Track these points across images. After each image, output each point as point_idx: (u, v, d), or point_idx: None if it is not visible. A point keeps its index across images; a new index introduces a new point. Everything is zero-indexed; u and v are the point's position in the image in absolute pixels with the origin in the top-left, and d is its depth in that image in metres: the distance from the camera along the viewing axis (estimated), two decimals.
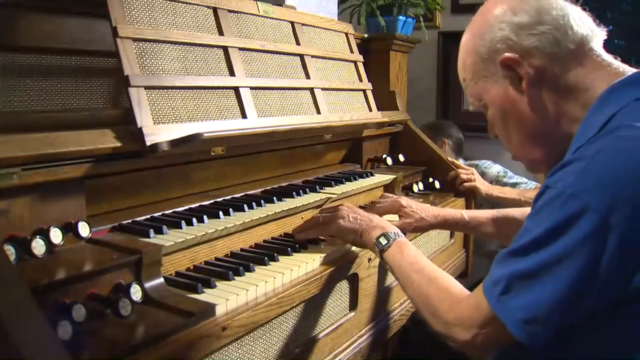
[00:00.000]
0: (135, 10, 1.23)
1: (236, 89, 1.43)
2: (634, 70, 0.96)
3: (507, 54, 0.98)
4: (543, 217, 0.86)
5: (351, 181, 1.78)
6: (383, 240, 1.21)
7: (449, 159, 2.27)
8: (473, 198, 2.17)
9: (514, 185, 2.54)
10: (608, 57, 0.99)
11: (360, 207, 1.72)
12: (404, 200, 1.56)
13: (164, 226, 1.14)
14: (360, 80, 2.00)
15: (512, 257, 0.90)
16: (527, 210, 1.51)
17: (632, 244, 0.80)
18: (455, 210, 1.62)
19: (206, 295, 1.01)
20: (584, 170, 0.83)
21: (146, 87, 1.19)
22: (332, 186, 1.67)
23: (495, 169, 2.69)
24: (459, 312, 0.97)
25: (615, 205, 0.79)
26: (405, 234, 1.26)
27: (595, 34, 0.99)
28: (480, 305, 0.92)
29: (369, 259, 1.39)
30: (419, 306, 1.08)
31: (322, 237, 1.38)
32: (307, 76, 1.72)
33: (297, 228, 1.40)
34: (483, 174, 2.57)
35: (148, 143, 1.13)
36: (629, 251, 0.80)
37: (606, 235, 0.80)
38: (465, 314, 0.96)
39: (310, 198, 1.51)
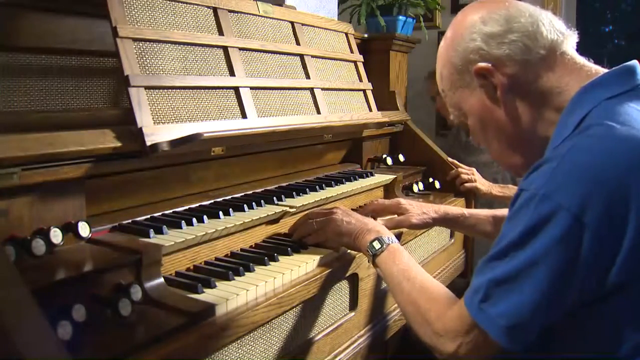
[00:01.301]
0: (135, 10, 1.23)
1: (236, 89, 1.43)
2: (606, 70, 0.97)
3: (480, 64, 0.99)
4: (518, 221, 0.86)
5: (351, 181, 1.78)
6: (376, 245, 1.19)
7: (449, 159, 2.27)
8: (473, 198, 2.17)
9: None
10: (581, 60, 1.00)
11: (360, 206, 1.72)
12: (401, 198, 1.57)
13: (164, 226, 1.14)
14: (360, 80, 2.00)
15: (490, 264, 0.90)
16: None
17: (606, 240, 0.80)
18: (455, 207, 1.63)
19: (206, 295, 1.01)
20: (555, 171, 0.84)
21: (146, 87, 1.19)
22: (332, 186, 1.67)
23: None
24: (445, 322, 0.96)
25: (588, 202, 0.80)
26: (399, 239, 1.25)
27: (567, 37, 1.00)
28: (463, 315, 0.92)
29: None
30: (407, 315, 1.07)
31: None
32: (307, 76, 1.72)
33: (290, 228, 1.40)
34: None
35: (148, 143, 1.13)
36: (605, 247, 0.81)
37: (581, 234, 0.80)
38: (450, 324, 0.95)
39: (311, 198, 1.51)
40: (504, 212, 1.54)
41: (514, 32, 0.98)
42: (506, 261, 0.86)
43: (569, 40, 1.01)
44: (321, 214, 1.37)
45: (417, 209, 1.53)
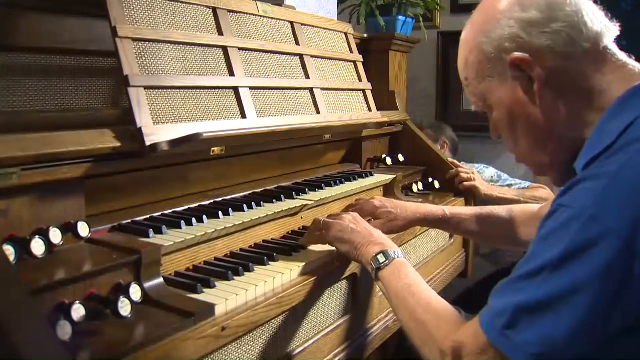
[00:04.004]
0: (135, 10, 1.23)
1: (236, 89, 1.43)
2: None
3: (516, 54, 0.90)
4: (556, 241, 0.78)
5: (351, 181, 1.78)
6: (381, 258, 1.13)
7: (449, 159, 2.27)
8: (473, 198, 2.16)
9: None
10: (623, 56, 0.93)
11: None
12: (377, 201, 1.49)
13: (164, 226, 1.14)
14: (360, 80, 2.00)
15: (516, 285, 0.83)
16: (514, 207, 1.49)
17: None
18: (437, 206, 1.56)
19: (206, 295, 1.01)
20: (606, 190, 0.76)
21: (146, 87, 1.19)
22: (331, 186, 1.67)
23: (489, 172, 2.65)
24: (455, 341, 0.90)
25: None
26: None
27: (609, 30, 0.92)
28: (477, 335, 0.86)
29: None
30: (411, 332, 1.02)
31: None
32: (307, 76, 1.72)
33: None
34: None
35: (148, 143, 1.13)
36: None
37: (630, 262, 0.74)
38: (460, 344, 0.89)
39: (310, 198, 1.51)
40: (489, 210, 1.48)
41: (558, 21, 0.89)
42: (537, 284, 0.79)
43: (611, 33, 0.92)
44: (331, 218, 1.34)
45: (391, 214, 1.45)
